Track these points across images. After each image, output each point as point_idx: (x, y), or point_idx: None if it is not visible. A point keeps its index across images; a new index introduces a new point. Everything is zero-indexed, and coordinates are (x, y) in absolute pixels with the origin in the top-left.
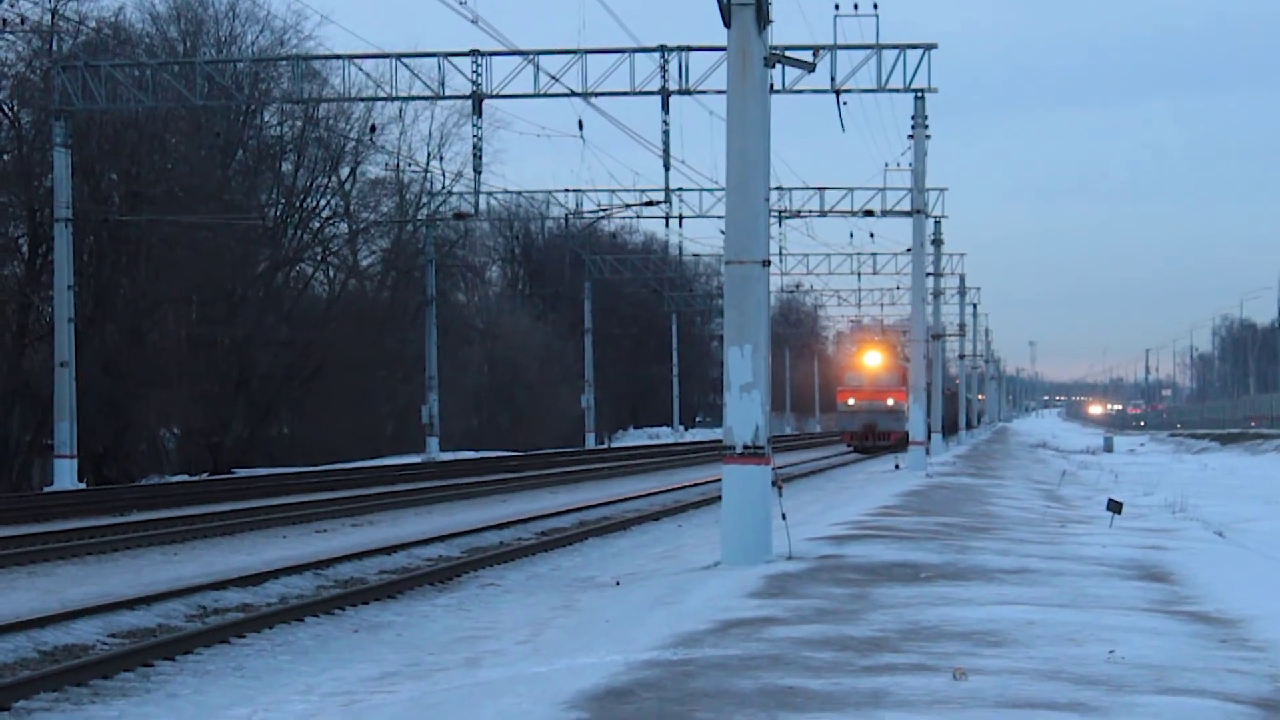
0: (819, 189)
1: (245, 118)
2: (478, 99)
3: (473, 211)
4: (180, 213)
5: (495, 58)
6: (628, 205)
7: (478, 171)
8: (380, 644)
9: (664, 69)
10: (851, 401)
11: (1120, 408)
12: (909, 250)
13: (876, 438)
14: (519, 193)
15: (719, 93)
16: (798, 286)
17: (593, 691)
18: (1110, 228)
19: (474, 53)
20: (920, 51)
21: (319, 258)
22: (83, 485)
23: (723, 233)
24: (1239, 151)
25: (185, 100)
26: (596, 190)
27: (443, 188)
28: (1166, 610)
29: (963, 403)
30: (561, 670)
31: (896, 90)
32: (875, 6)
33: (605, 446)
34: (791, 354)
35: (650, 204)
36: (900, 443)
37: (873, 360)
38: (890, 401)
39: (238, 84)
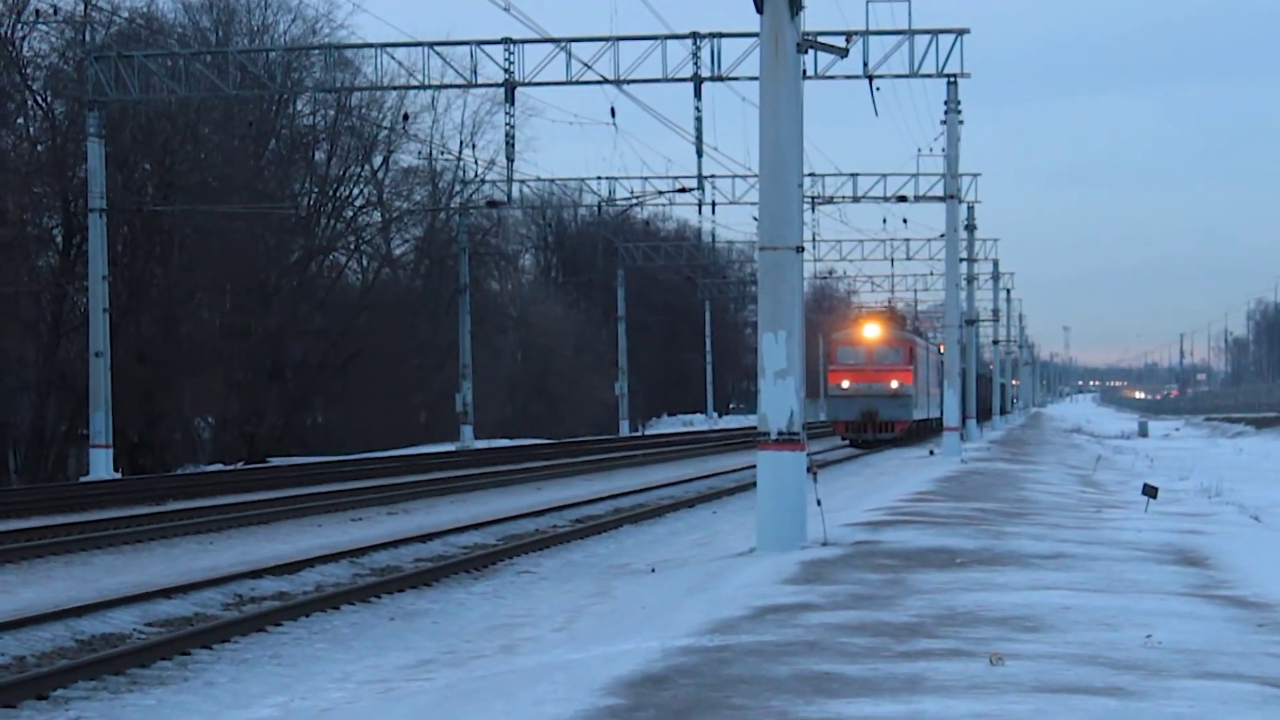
0: (852, 175)
1: (278, 107)
2: (510, 87)
3: (505, 199)
4: (213, 202)
5: (527, 45)
6: (660, 192)
7: (510, 159)
8: (416, 632)
9: (696, 55)
10: (846, 384)
11: (1143, 395)
12: (942, 236)
13: (877, 428)
14: (552, 180)
15: (751, 79)
16: (831, 273)
17: (629, 678)
18: (1144, 211)
19: (506, 40)
20: (952, 36)
21: (352, 246)
22: (118, 475)
23: (756, 219)
24: (1274, 134)
25: (218, 90)
26: (629, 177)
27: (475, 176)
28: (1203, 594)
29: (997, 388)
30: (598, 657)
31: (929, 75)
32: None
33: (639, 434)
34: (825, 340)
35: (683, 190)
36: (906, 434)
37: (871, 332)
38: (894, 384)
39: (270, 73)
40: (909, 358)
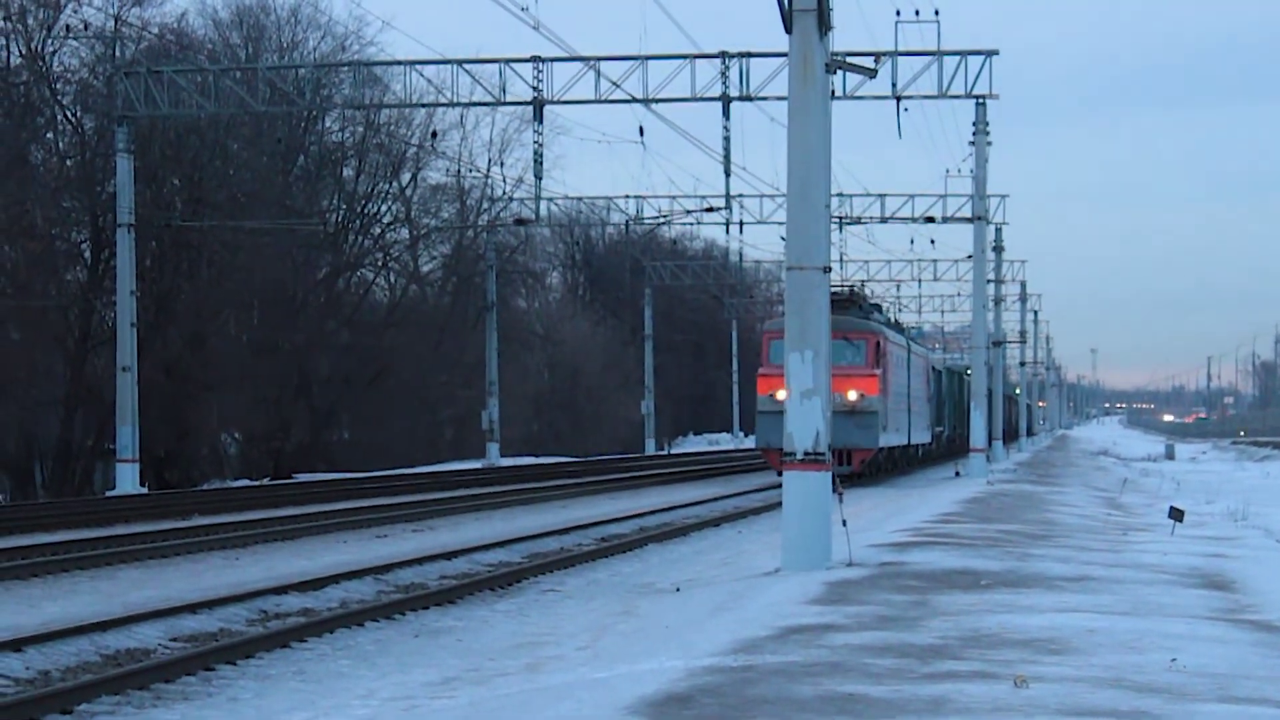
0: (879, 195)
1: (307, 123)
2: (539, 105)
3: (533, 217)
4: (242, 218)
5: (556, 64)
6: (688, 211)
7: (538, 177)
8: (441, 649)
9: (725, 75)
10: (780, 395)
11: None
12: (970, 257)
13: None
14: (579, 198)
15: (780, 99)
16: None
17: (653, 697)
18: (1172, 234)
19: (535, 59)
20: (981, 58)
21: (380, 263)
22: (144, 489)
23: (783, 239)
24: None
25: (247, 106)
26: (657, 196)
27: (503, 193)
28: (1228, 618)
29: (1023, 410)
30: (622, 676)
31: (958, 96)
32: (936, 13)
33: (665, 452)
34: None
35: (711, 210)
36: (869, 468)
37: None
38: (851, 394)
39: (299, 90)
40: (873, 357)
